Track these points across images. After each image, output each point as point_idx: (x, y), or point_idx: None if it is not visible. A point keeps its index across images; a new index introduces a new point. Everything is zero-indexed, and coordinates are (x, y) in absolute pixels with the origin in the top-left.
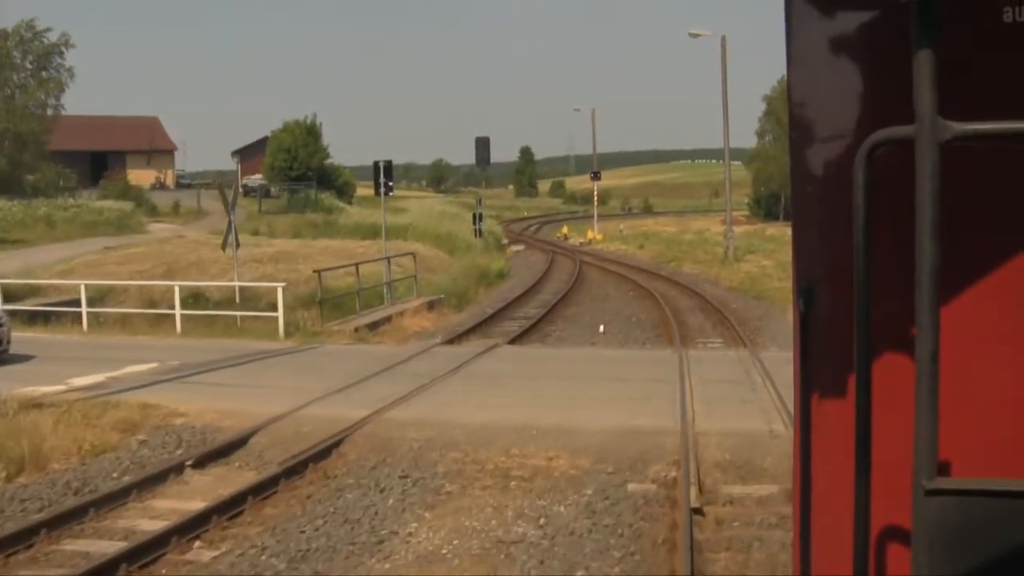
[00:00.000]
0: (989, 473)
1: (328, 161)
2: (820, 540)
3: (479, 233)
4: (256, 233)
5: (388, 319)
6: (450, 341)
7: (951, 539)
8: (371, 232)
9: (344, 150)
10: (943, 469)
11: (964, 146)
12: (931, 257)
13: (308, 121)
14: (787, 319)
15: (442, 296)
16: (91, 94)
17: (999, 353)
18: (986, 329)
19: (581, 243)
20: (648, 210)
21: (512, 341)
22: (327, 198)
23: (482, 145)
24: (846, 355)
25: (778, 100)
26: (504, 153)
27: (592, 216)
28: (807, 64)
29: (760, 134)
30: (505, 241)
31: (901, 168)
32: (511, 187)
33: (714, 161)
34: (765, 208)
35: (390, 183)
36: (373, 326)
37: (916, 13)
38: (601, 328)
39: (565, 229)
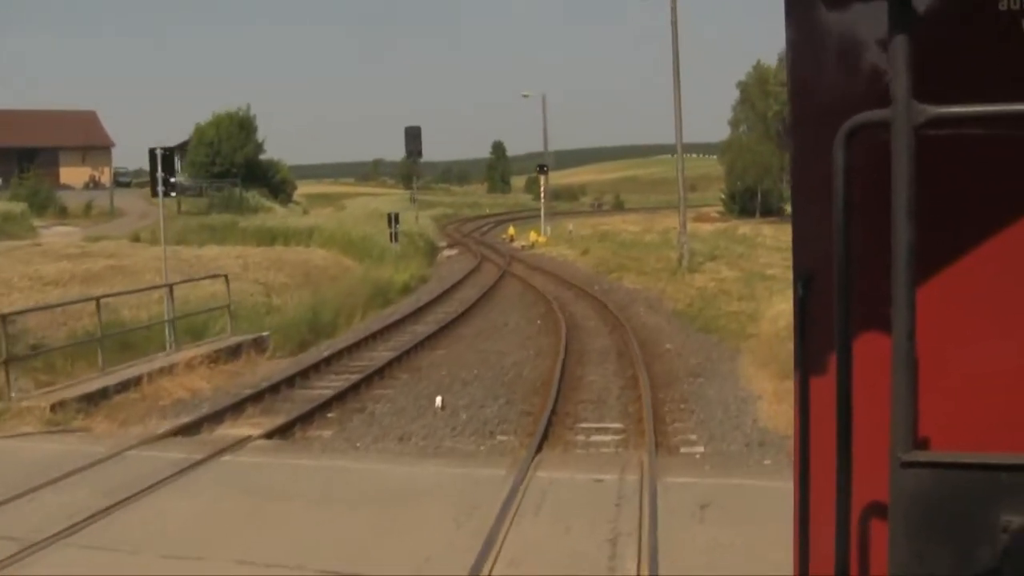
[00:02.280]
0: (967, 449)
1: (266, 157)
2: (817, 520)
3: (395, 237)
4: (137, 240)
5: (143, 379)
6: (187, 429)
7: (926, 511)
8: (269, 237)
9: (323, 146)
10: (921, 445)
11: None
12: (907, 237)
13: (241, 113)
14: (739, 368)
15: (266, 334)
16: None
17: (979, 331)
18: (965, 308)
19: (523, 246)
20: (620, 206)
21: (283, 428)
22: (253, 197)
23: (412, 136)
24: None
25: (753, 87)
26: (484, 149)
27: (559, 214)
28: (805, 51)
29: (734, 124)
30: (443, 244)
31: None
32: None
33: (695, 155)
34: (740, 204)
35: (172, 179)
36: (102, 394)
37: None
38: (439, 401)
39: (511, 230)
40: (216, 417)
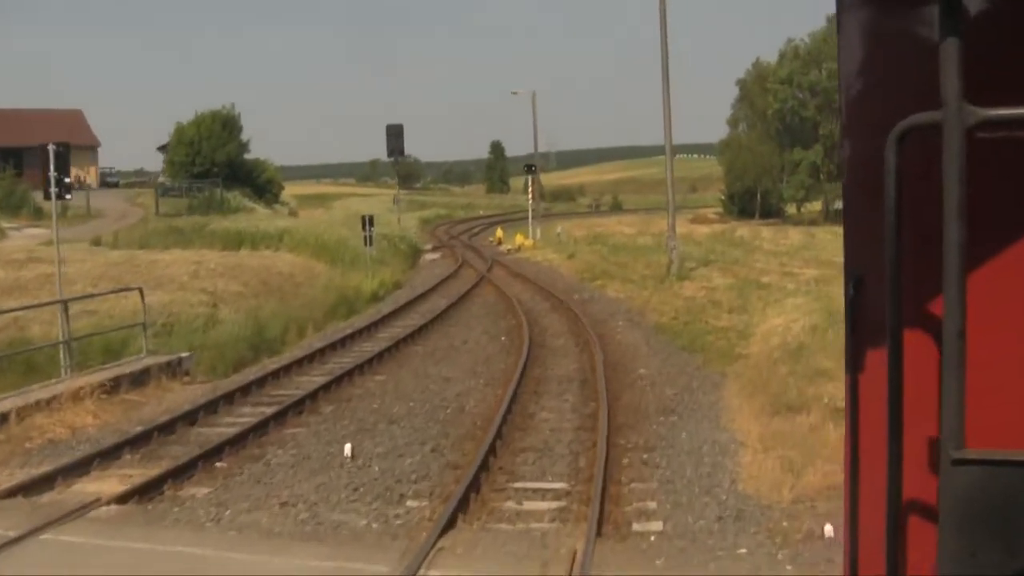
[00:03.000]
0: (1019, 447)
1: (252, 157)
2: (868, 524)
3: (369, 241)
4: (98, 244)
5: (10, 415)
6: (34, 485)
7: (977, 509)
8: (237, 241)
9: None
10: (972, 443)
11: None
12: (957, 238)
13: (225, 112)
14: (722, 399)
15: (187, 355)
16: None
17: None
18: (1015, 307)
19: (508, 250)
20: (618, 207)
21: (151, 485)
22: (235, 197)
23: (394, 135)
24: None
25: (752, 84)
26: (486, 149)
27: (556, 215)
28: (855, 52)
29: (733, 122)
30: (428, 247)
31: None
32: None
33: (695, 156)
34: (739, 205)
35: (66, 178)
36: None
37: (942, 1)
38: (348, 449)
39: (499, 232)
40: (79, 467)
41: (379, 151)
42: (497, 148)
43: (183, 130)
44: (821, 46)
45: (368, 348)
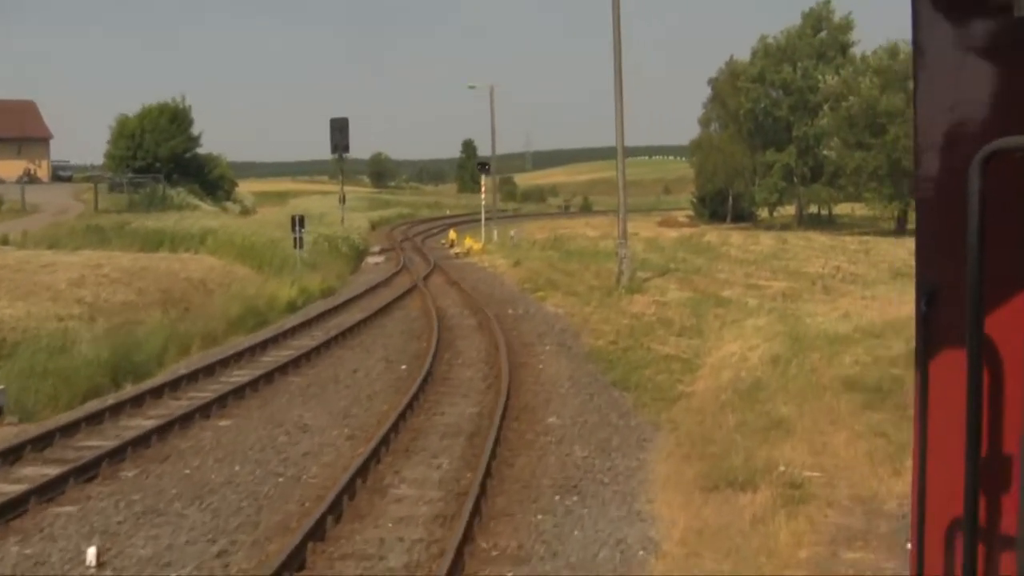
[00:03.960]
0: None
1: (206, 152)
2: (934, 535)
3: (298, 243)
4: (5, 243)
5: None
6: None
7: None
8: (155, 242)
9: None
10: None
11: None
12: None
13: (175, 104)
14: (647, 464)
15: (2, 387)
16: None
17: None
18: None
19: (457, 253)
20: (588, 208)
21: None
22: (179, 194)
23: (337, 129)
24: (964, 357)
25: (724, 84)
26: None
27: (525, 216)
28: (933, 71)
29: (704, 122)
30: (376, 249)
31: None
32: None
33: (671, 157)
34: (711, 208)
35: None
36: None
37: None
38: (91, 555)
39: (452, 235)
40: None
41: (352, 148)
42: (469, 147)
43: (125, 123)
44: (795, 43)
45: (237, 377)
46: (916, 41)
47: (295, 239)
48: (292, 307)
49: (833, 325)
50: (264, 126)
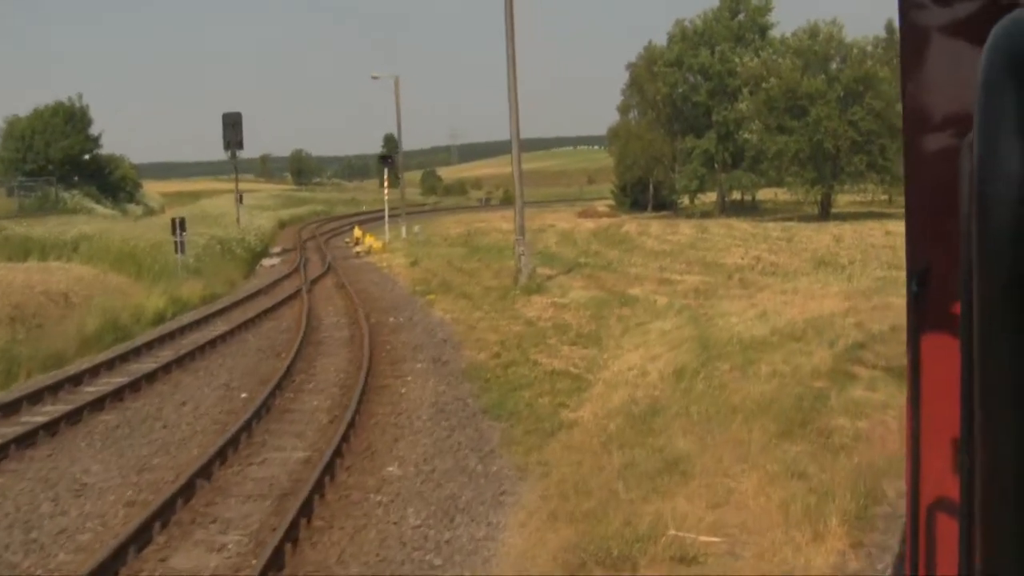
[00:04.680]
0: None
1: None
2: (928, 521)
3: (179, 248)
4: None
5: None
6: None
7: None
8: (23, 251)
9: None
10: None
11: None
12: None
13: (71, 104)
14: (510, 527)
15: None
16: None
17: None
18: None
19: (358, 252)
20: (508, 201)
21: None
22: (74, 197)
23: (230, 125)
24: (956, 337)
25: (642, 70)
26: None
27: (445, 209)
28: (920, 51)
29: (623, 110)
30: (276, 250)
31: None
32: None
33: (596, 147)
34: (632, 197)
35: None
36: None
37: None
38: None
39: (357, 232)
40: None
41: (270, 146)
42: (391, 141)
43: (15, 124)
44: (712, 26)
45: (40, 416)
46: (902, 20)
47: (176, 243)
48: (160, 319)
49: (749, 327)
50: (191, 127)
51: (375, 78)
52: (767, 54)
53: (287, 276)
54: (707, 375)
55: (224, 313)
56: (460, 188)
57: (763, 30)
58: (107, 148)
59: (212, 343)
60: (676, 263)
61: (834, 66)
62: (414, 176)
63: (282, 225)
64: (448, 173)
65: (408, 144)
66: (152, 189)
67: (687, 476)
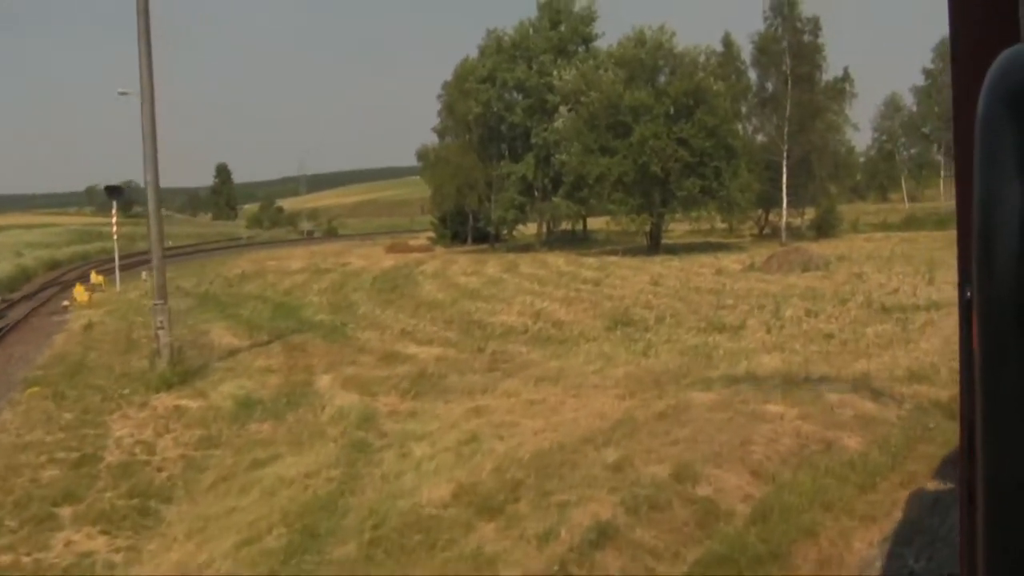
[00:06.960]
0: None
1: None
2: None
3: None
4: None
5: None
6: None
7: None
8: None
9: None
10: None
11: None
12: None
13: None
14: None
15: None
16: None
17: None
18: None
19: (66, 307)
20: (332, 233)
21: None
22: None
23: None
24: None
25: (453, 88)
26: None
27: (260, 244)
28: (972, 50)
29: (441, 132)
30: None
31: None
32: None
33: None
34: (452, 228)
35: None
36: None
37: None
38: None
39: (94, 278)
40: None
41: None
42: (223, 172)
43: None
44: (530, 38)
45: None
46: (954, 37)
47: None
48: None
49: (429, 476)
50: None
51: (123, 94)
52: (587, 65)
53: None
54: None
55: None
56: (290, 220)
57: (587, 41)
58: None
59: None
60: (435, 322)
61: (663, 79)
62: (251, 208)
63: (54, 266)
64: (294, 204)
65: (257, 174)
66: None
67: None
